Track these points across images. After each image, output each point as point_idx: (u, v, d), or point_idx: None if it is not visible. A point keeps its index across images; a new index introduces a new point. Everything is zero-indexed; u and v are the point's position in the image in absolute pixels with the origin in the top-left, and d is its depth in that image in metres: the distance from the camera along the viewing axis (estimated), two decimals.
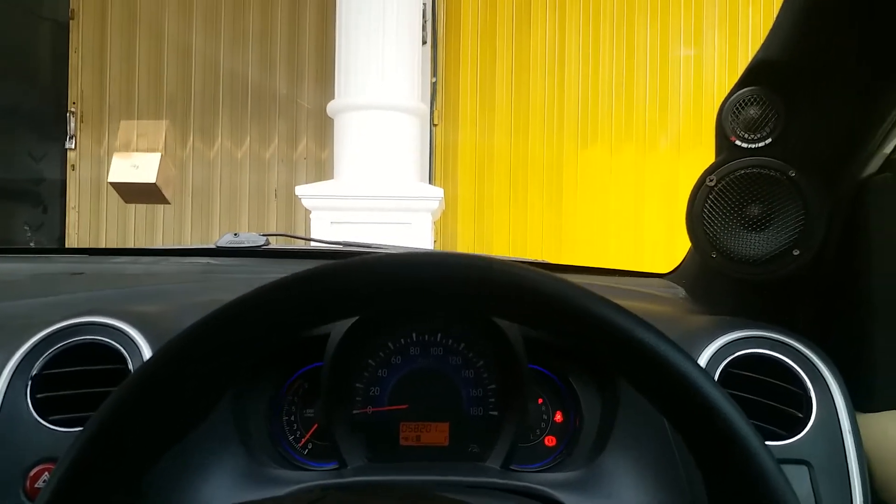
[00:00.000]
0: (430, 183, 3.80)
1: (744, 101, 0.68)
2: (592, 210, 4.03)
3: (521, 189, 4.06)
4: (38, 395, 0.63)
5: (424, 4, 3.59)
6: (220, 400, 0.41)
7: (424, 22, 3.61)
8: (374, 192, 2.94)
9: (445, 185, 3.91)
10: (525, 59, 4.07)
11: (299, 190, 3.07)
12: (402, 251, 0.42)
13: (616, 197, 4.03)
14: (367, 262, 0.40)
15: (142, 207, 4.04)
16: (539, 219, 4.05)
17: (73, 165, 4.08)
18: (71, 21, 4.09)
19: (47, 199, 4.14)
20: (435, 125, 4.03)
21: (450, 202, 3.92)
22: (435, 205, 3.05)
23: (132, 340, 0.64)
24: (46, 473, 0.60)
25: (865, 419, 0.69)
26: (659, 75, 4.05)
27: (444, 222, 3.96)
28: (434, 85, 4.00)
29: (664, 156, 4.02)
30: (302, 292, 0.39)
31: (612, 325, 0.40)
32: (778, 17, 0.63)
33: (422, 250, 0.42)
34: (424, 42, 3.69)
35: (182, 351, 0.39)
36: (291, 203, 3.89)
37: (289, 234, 3.79)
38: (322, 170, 4.00)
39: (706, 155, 0.72)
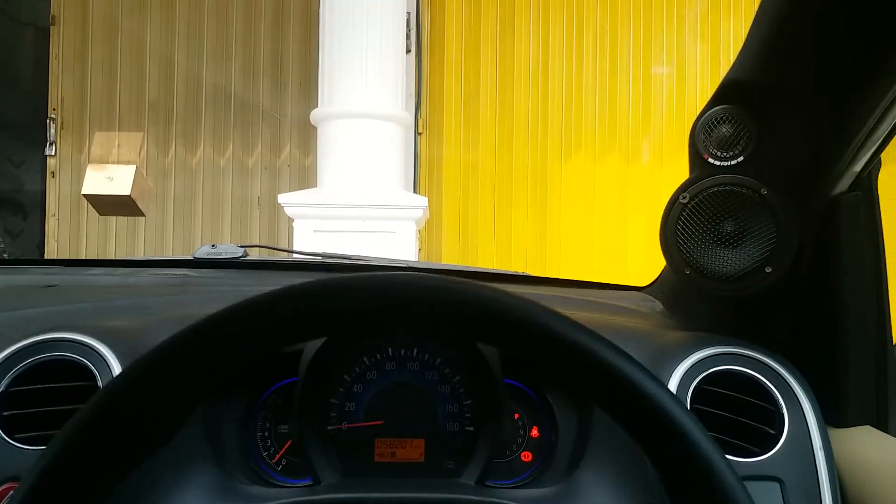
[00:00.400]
0: (414, 192, 3.80)
1: (716, 119, 0.69)
2: (576, 220, 4.05)
3: (505, 199, 4.07)
4: (5, 413, 0.61)
5: (409, 14, 3.60)
6: (187, 419, 0.41)
7: (409, 31, 3.62)
8: (357, 201, 2.93)
9: (430, 194, 3.92)
10: (509, 70, 4.09)
11: (282, 198, 3.06)
12: (383, 271, 0.42)
13: (599, 208, 4.05)
14: (345, 281, 0.40)
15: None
16: (523, 229, 4.06)
17: (52, 173, 4.04)
18: (52, 27, 4.05)
19: (27, 206, 4.09)
20: (419, 134, 4.03)
21: (434, 211, 3.92)
22: (419, 214, 3.05)
23: (101, 357, 0.64)
24: (12, 493, 0.59)
25: (837, 435, 0.70)
26: (642, 87, 4.09)
27: (428, 231, 3.96)
28: (418, 94, 4.01)
29: (647, 167, 4.06)
30: (279, 310, 0.39)
31: (582, 349, 0.40)
32: (748, 36, 0.63)
33: (402, 273, 0.42)
34: (409, 51, 3.70)
35: (148, 371, 0.39)
36: (274, 211, 3.88)
37: (267, 245, 3.77)
38: (306, 178, 3.99)
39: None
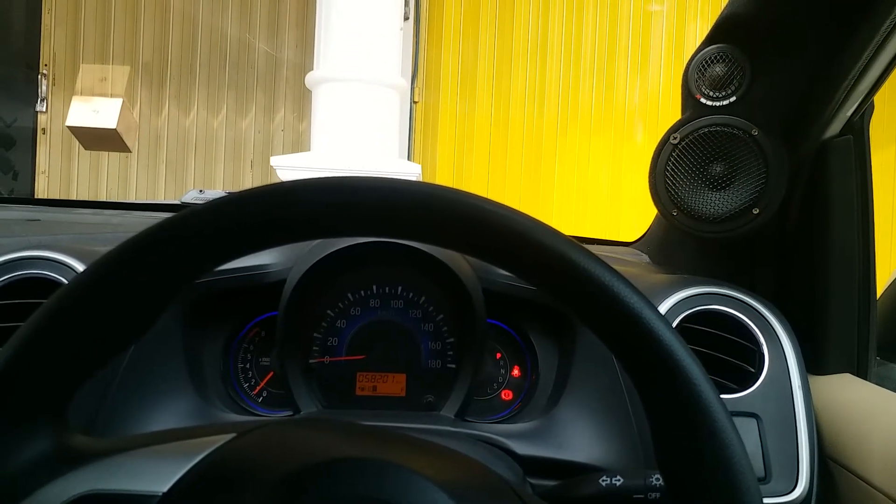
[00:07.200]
0: (408, 160, 3.78)
1: (710, 58, 0.68)
2: (569, 193, 4.04)
3: (500, 169, 4.05)
4: None
5: None
6: (149, 325, 0.40)
7: None
8: (350, 166, 2.91)
9: (424, 162, 3.89)
10: (507, 40, 4.05)
11: (274, 160, 3.03)
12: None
13: (593, 182, 4.04)
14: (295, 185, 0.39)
15: (114, 174, 3.97)
16: (517, 202, 4.05)
17: (43, 129, 3.98)
18: None
19: (18, 164, 4.04)
20: (415, 102, 4.00)
21: (428, 179, 3.90)
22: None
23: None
24: None
25: (817, 381, 0.70)
26: (640, 52, 4.06)
27: None
28: (415, 62, 3.97)
29: (643, 139, 4.04)
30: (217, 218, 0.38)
31: (556, 253, 0.39)
32: None
33: (373, 177, 0.40)
34: (407, 18, 3.65)
35: (104, 271, 0.38)
36: (267, 174, 3.85)
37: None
38: (300, 142, 3.95)
39: None
